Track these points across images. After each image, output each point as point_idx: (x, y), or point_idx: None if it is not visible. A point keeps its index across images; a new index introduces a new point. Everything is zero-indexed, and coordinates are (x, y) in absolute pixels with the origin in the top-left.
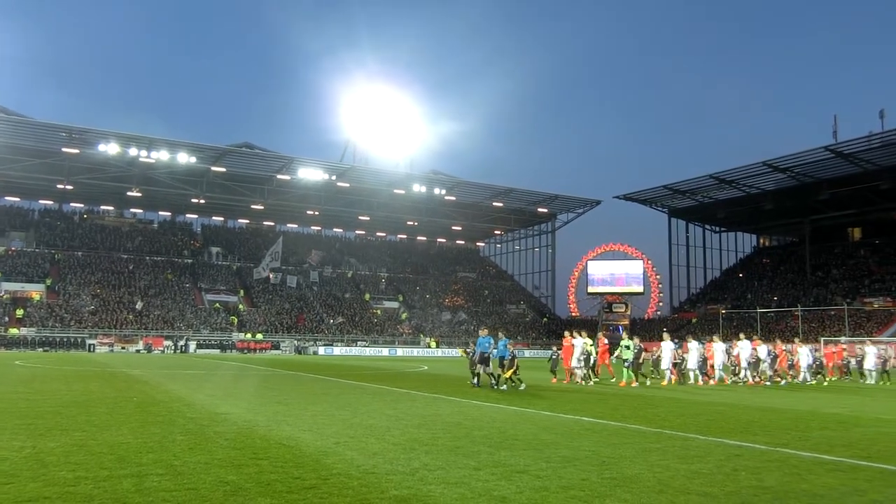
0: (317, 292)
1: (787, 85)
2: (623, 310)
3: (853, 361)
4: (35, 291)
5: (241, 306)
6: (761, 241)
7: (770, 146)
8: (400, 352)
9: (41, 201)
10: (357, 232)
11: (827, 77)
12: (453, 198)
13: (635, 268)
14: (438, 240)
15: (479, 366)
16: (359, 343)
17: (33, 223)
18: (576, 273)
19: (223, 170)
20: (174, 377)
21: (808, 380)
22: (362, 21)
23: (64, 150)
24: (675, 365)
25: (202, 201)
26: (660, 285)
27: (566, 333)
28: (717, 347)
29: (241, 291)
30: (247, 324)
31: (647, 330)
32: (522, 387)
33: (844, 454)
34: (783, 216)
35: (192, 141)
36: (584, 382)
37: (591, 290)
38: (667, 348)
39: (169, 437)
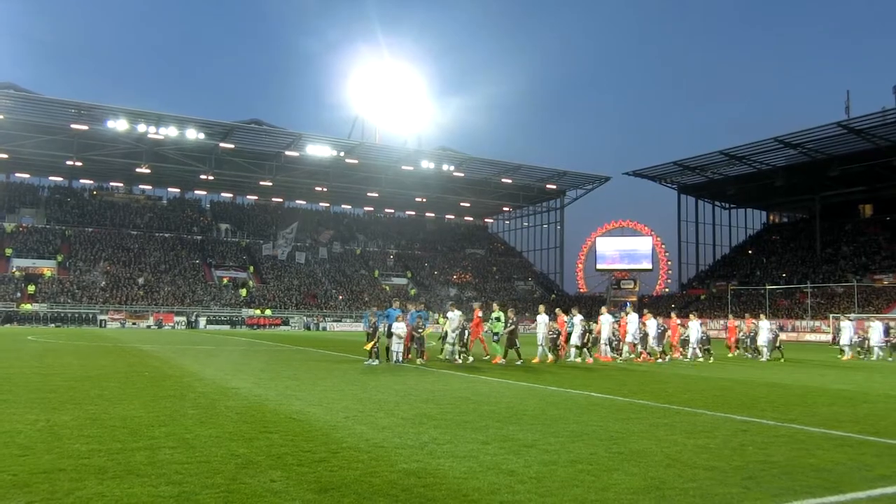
0: (326, 269)
1: (800, 61)
2: (631, 286)
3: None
4: (46, 268)
5: (250, 282)
6: (771, 217)
7: (781, 122)
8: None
9: (51, 178)
10: (365, 208)
11: (840, 53)
12: (462, 174)
13: (644, 244)
14: (447, 216)
15: (390, 339)
16: None
17: (43, 200)
18: (584, 250)
19: (232, 146)
20: (184, 352)
21: (698, 356)
22: None
23: (73, 126)
24: (552, 340)
25: (211, 178)
26: (668, 262)
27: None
28: (605, 320)
29: (251, 268)
30: (256, 299)
31: (655, 307)
32: (375, 362)
33: (852, 430)
34: (794, 193)
35: (201, 117)
36: (454, 359)
37: (599, 266)
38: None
39: (180, 410)
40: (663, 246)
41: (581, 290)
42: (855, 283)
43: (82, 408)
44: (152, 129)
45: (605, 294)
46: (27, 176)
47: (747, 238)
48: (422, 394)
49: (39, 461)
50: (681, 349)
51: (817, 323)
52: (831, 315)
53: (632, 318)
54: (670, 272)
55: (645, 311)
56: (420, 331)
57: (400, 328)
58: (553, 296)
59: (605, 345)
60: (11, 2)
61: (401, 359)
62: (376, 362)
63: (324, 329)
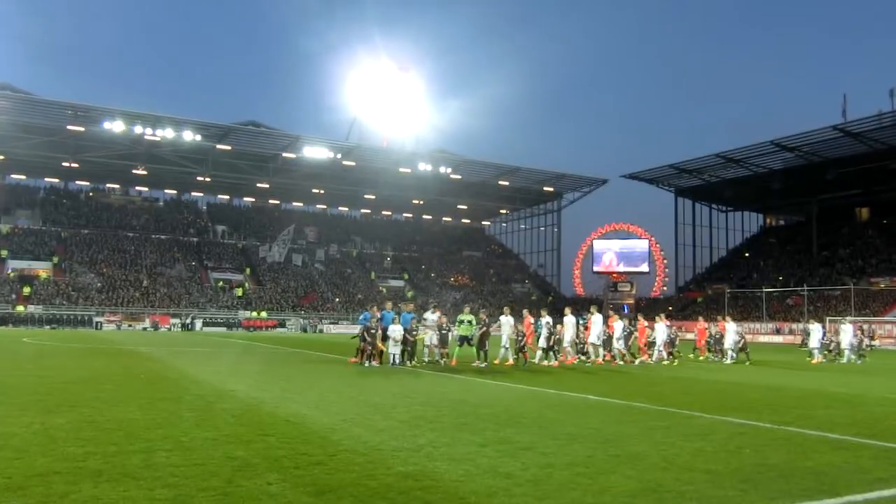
0: (322, 271)
1: (796, 64)
2: (628, 289)
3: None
4: (42, 269)
5: (246, 284)
6: (768, 220)
7: (778, 125)
8: None
9: (47, 179)
10: (362, 211)
11: (836, 56)
12: (459, 176)
13: (641, 247)
14: (444, 219)
15: (388, 342)
16: None
17: (39, 201)
18: (581, 252)
19: (229, 148)
20: (181, 354)
21: (664, 358)
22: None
23: (69, 127)
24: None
25: (208, 179)
26: (665, 265)
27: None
28: (568, 322)
29: (247, 269)
30: (253, 301)
31: (652, 309)
32: (376, 364)
33: (849, 432)
34: (790, 196)
35: (198, 118)
36: (443, 361)
37: (596, 269)
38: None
39: (176, 413)
40: (660, 249)
41: (578, 293)
42: (852, 286)
43: (78, 410)
44: (149, 130)
45: (603, 297)
46: (23, 177)
47: (744, 241)
48: (419, 396)
49: (34, 464)
50: (647, 351)
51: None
52: (827, 318)
53: (596, 320)
54: (667, 275)
55: (611, 312)
56: (414, 334)
57: (396, 331)
58: (550, 298)
59: (569, 346)
60: (8, 2)
61: (397, 361)
62: (377, 364)
63: (321, 331)
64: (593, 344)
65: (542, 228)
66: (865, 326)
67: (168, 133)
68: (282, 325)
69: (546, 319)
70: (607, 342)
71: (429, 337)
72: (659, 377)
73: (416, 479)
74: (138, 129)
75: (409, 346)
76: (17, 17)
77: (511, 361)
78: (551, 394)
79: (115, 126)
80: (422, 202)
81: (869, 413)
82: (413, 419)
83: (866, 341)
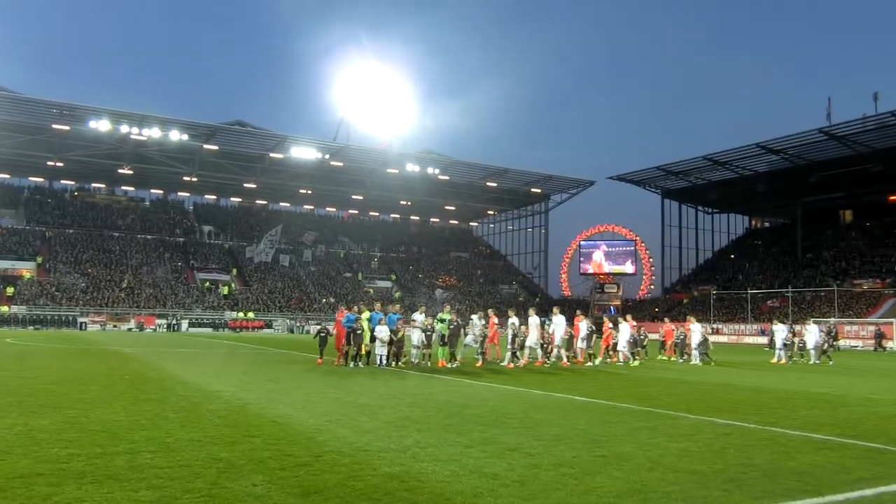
0: (309, 271)
1: (782, 67)
2: (615, 290)
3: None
4: (26, 269)
5: (232, 284)
6: (753, 222)
7: (764, 128)
8: None
9: (31, 178)
10: (350, 211)
11: (821, 59)
12: (447, 177)
13: (628, 248)
14: (432, 220)
15: (375, 343)
16: None
17: (23, 201)
18: (568, 254)
19: (215, 148)
20: (166, 355)
21: (628, 358)
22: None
23: (54, 126)
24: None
25: (194, 179)
26: (652, 266)
27: (341, 307)
28: (532, 322)
29: (234, 270)
30: (240, 302)
31: (638, 310)
32: (360, 365)
33: (832, 433)
34: (775, 198)
35: (185, 118)
36: (421, 362)
37: (583, 270)
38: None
39: (161, 414)
40: (647, 250)
41: (565, 294)
42: (835, 287)
43: (61, 411)
44: (135, 129)
45: (590, 298)
46: (7, 176)
47: (730, 243)
48: (405, 397)
49: (17, 465)
50: (611, 352)
51: (798, 327)
52: (812, 319)
53: (558, 321)
54: (653, 276)
55: (578, 312)
56: (399, 334)
57: (383, 332)
58: (538, 299)
59: (535, 346)
60: None
61: (384, 362)
62: (361, 365)
63: (307, 332)
64: (558, 346)
65: (530, 230)
66: (829, 327)
67: (154, 132)
68: (268, 325)
69: (512, 320)
70: (569, 342)
71: (416, 337)
72: (644, 378)
73: (402, 480)
74: (124, 129)
75: (396, 346)
76: (2, 15)
77: (480, 363)
78: (537, 394)
79: (101, 125)
80: (409, 203)
81: (852, 413)
82: (399, 420)
83: (830, 342)
